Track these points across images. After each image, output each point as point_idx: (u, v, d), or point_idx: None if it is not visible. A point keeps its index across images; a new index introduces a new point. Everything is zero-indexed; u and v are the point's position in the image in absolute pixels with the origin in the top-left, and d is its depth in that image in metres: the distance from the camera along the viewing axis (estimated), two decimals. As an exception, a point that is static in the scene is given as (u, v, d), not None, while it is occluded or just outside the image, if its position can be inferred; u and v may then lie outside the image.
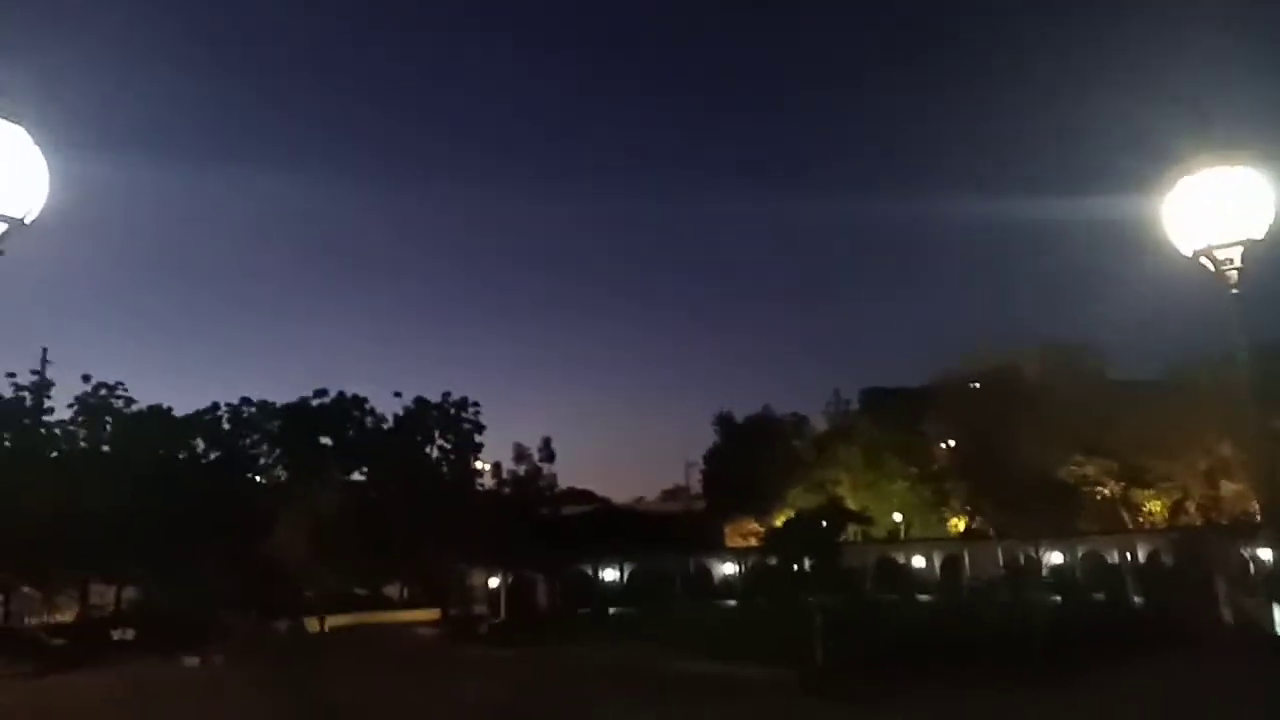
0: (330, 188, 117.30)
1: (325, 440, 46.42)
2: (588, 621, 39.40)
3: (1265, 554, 38.71)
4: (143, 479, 38.62)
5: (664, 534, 51.60)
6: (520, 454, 47.02)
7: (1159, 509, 47.95)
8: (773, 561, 42.38)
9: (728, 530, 59.15)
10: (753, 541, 53.05)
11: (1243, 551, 38.34)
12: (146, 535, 36.80)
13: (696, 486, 68.37)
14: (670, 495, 77.42)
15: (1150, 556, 40.94)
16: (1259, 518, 42.77)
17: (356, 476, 47.15)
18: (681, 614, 40.31)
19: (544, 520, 44.71)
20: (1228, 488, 45.36)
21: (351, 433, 46.58)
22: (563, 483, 55.88)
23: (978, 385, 59.37)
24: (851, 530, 45.44)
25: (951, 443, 55.28)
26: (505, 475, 47.01)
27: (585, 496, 68.62)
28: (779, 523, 48.89)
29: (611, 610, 43.24)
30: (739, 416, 63.38)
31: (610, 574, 48.55)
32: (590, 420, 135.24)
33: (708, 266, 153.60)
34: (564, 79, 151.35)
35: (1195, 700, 18.22)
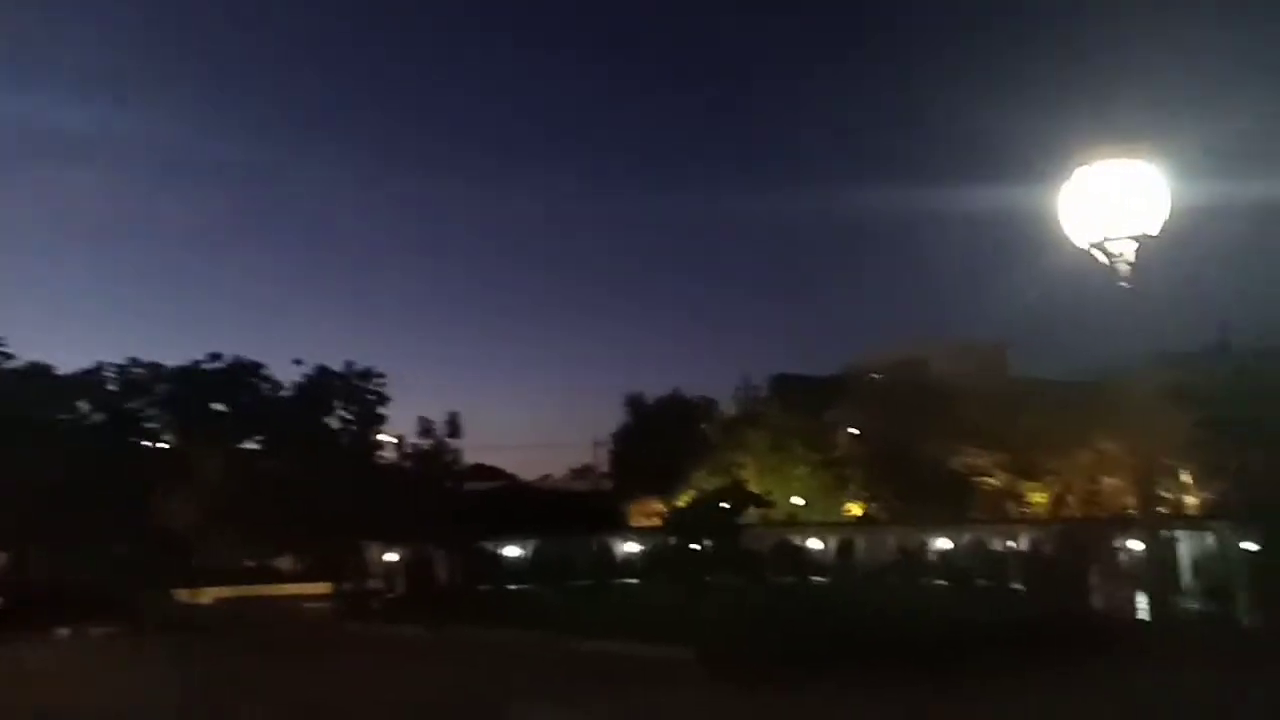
0: (243, 152, 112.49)
1: (218, 406, 44.48)
2: (488, 599, 39.06)
3: (1136, 546, 41.11)
4: (19, 439, 36.32)
5: (570, 512, 51.53)
6: (425, 428, 46.00)
7: (1042, 500, 50.29)
8: (673, 541, 42.84)
9: (633, 510, 59.51)
10: (657, 522, 53.47)
11: (1116, 543, 40.58)
12: (21, 498, 34.68)
13: (605, 466, 68.53)
14: (578, 474, 77.32)
15: (1032, 545, 42.89)
16: (1133, 511, 45.36)
17: (250, 445, 45.40)
18: (584, 592, 40.39)
19: (447, 495, 43.89)
20: (1107, 482, 47.88)
21: (246, 400, 44.73)
22: (470, 459, 55.11)
23: (885, 376, 61.25)
24: (753, 513, 46.23)
25: (856, 431, 56.80)
26: (409, 449, 45.98)
27: (492, 473, 67.93)
28: (682, 504, 49.43)
29: (513, 588, 43.00)
30: (650, 398, 63.73)
31: (513, 551, 48.23)
32: (501, 397, 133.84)
33: (628, 247, 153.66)
34: (509, 63, 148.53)
35: (1099, 691, 19.08)
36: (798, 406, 56.63)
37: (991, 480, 51.48)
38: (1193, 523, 38.54)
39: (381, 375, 44.49)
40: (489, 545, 46.75)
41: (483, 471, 65.30)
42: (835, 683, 18.71)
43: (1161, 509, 43.25)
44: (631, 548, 49.90)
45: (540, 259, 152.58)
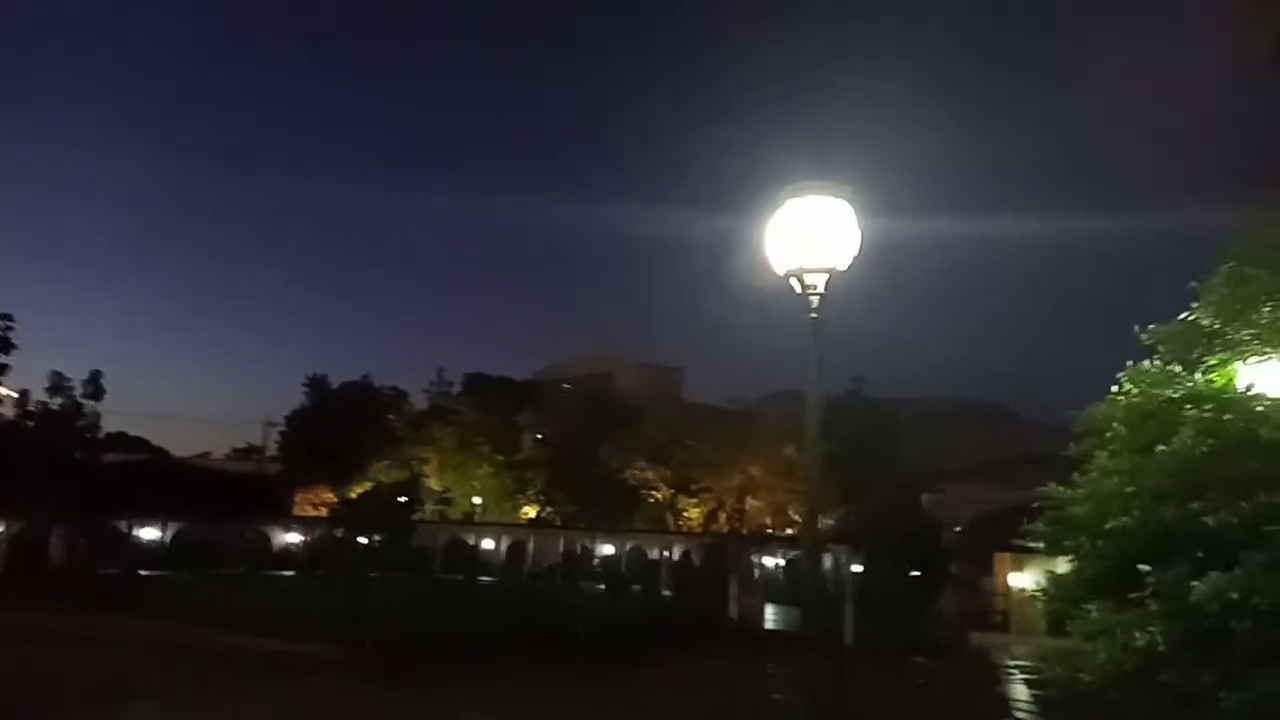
0: None
1: None
2: (113, 584, 34.59)
3: (769, 561, 46.24)
4: None
5: (226, 495, 47.15)
6: (58, 385, 39.73)
7: (697, 515, 54.82)
8: (340, 533, 40.90)
9: (300, 498, 55.92)
10: (325, 512, 50.71)
11: (753, 558, 45.35)
12: None
13: (275, 449, 63.59)
14: (242, 454, 71.19)
15: (683, 556, 46.57)
16: (770, 531, 50.99)
17: None
18: (231, 582, 37.20)
19: (75, 465, 38.17)
20: (752, 504, 53.39)
21: None
22: (114, 426, 48.65)
23: (572, 385, 63.45)
24: (430, 509, 45.57)
25: (541, 435, 58.10)
26: (34, 407, 39.43)
27: (137, 444, 60.70)
28: (355, 495, 47.36)
29: (147, 573, 38.49)
30: (335, 382, 60.11)
31: (151, 533, 43.22)
32: (164, 364, 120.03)
33: (334, 235, 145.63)
34: (195, 45, 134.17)
35: (698, 687, 21.10)
36: (489, 406, 56.78)
37: (656, 493, 55.20)
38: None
39: (8, 318, 37.77)
40: (122, 524, 41.47)
41: (125, 441, 58.23)
42: (479, 677, 19.18)
43: (793, 531, 49.11)
44: (293, 537, 46.85)
45: (236, 233, 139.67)
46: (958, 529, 45.28)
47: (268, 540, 45.65)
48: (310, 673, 19.74)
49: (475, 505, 55.61)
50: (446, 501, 48.14)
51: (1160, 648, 7.89)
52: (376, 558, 38.36)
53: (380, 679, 19.20)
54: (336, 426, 52.07)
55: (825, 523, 44.77)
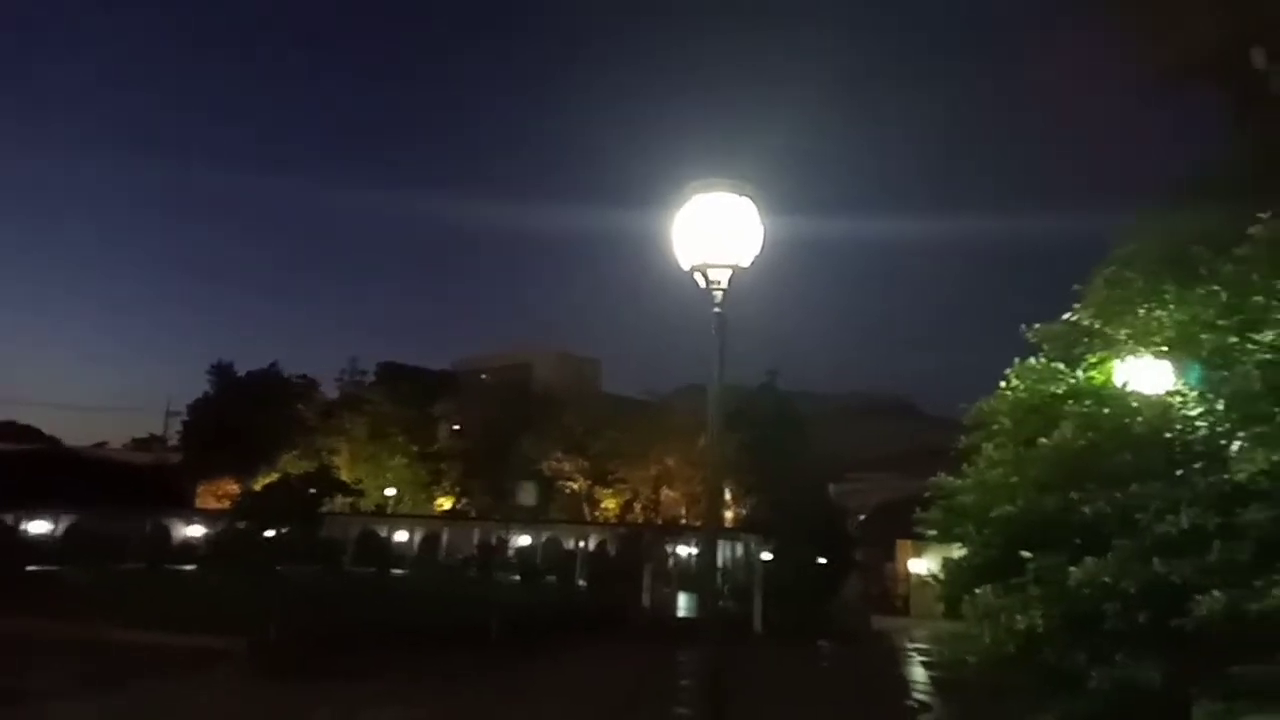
0: None
1: None
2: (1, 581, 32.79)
3: (683, 551, 46.83)
4: None
5: (123, 487, 45.24)
6: (-63, 370, 37.48)
7: (614, 506, 55.07)
8: (244, 526, 39.71)
9: (203, 490, 54.05)
10: (229, 504, 49.16)
11: (667, 548, 45.83)
12: None
13: (177, 439, 61.19)
14: (142, 445, 68.35)
15: (599, 546, 46.74)
16: (685, 521, 51.61)
17: None
18: (129, 577, 35.74)
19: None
20: (667, 494, 53.92)
21: None
22: (1, 415, 46.16)
23: (490, 376, 62.99)
24: (340, 501, 44.58)
25: (456, 426, 57.49)
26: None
27: (27, 434, 57.71)
28: (260, 486, 46.07)
29: (37, 569, 36.64)
30: (241, 370, 58.04)
31: (42, 526, 41.18)
32: (58, 351, 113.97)
33: (240, 224, 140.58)
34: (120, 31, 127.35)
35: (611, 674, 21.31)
36: (404, 397, 55.87)
37: (573, 485, 55.21)
38: (727, 534, 44.80)
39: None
40: (10, 517, 39.39)
41: (13, 431, 55.41)
42: (386, 669, 18.98)
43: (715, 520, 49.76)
44: (195, 530, 45.26)
45: (140, 219, 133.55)
46: (862, 517, 46.71)
47: (168, 533, 43.98)
48: (209, 667, 19.14)
49: (388, 497, 54.70)
50: (357, 492, 47.15)
51: (1040, 629, 8.39)
52: (283, 550, 37.39)
53: (282, 673, 18.72)
54: (242, 415, 50.46)
55: (740, 512, 45.72)
